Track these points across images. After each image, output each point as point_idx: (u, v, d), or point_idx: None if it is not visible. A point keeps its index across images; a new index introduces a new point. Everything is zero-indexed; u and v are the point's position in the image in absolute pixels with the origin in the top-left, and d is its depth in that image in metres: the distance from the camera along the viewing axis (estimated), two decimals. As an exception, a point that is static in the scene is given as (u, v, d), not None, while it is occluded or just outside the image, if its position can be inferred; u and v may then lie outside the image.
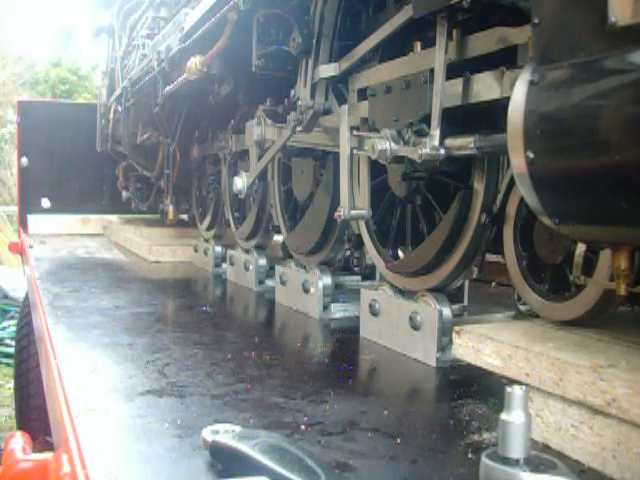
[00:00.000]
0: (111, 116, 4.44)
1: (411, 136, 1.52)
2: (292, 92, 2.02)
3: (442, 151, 1.44)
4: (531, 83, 1.03)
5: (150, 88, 3.31)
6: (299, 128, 1.91)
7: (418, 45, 1.59)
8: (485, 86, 1.36)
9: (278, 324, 2.27)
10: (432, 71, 1.45)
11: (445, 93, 1.42)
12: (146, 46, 3.50)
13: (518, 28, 1.27)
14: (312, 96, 1.88)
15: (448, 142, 1.45)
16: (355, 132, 1.74)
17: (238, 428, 0.99)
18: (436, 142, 1.43)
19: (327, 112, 1.89)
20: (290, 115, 1.95)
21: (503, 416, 0.81)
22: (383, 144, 1.55)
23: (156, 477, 0.95)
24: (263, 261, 2.69)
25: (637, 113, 0.87)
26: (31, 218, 5.04)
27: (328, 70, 1.83)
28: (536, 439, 1.09)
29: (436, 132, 1.43)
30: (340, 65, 1.82)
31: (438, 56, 1.42)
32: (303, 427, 1.15)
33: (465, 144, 1.42)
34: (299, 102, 1.90)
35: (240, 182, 2.35)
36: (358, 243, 2.11)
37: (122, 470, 0.95)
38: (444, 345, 1.56)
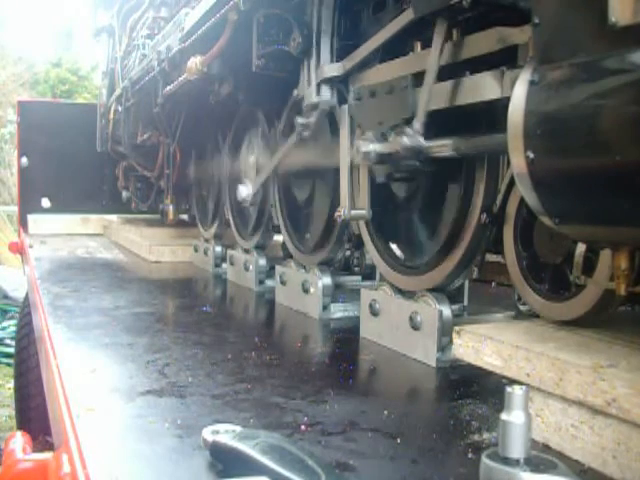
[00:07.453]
0: (111, 116, 4.43)
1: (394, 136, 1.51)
2: (294, 92, 2.01)
3: (422, 141, 1.44)
4: (531, 83, 1.03)
5: (150, 88, 3.30)
6: (306, 133, 1.90)
7: (418, 45, 1.59)
8: (485, 86, 1.36)
9: (278, 324, 2.27)
10: (418, 74, 1.46)
11: (434, 94, 1.42)
12: (146, 46, 3.50)
13: (518, 28, 1.27)
14: (317, 94, 1.86)
15: (432, 142, 1.45)
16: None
17: (238, 428, 0.99)
18: (418, 136, 1.43)
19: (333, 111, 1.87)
20: (297, 120, 1.93)
21: (503, 416, 0.81)
22: (367, 146, 1.55)
23: (156, 477, 0.95)
24: (263, 261, 2.70)
25: (637, 113, 0.87)
26: (31, 218, 5.04)
27: (332, 70, 1.83)
28: (536, 439, 1.09)
29: (418, 127, 1.44)
30: (344, 65, 1.81)
31: (432, 56, 1.42)
32: (303, 427, 1.15)
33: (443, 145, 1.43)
34: (304, 103, 1.89)
35: (245, 190, 2.36)
36: (358, 243, 2.10)
37: (122, 470, 0.95)
38: (444, 345, 1.56)
